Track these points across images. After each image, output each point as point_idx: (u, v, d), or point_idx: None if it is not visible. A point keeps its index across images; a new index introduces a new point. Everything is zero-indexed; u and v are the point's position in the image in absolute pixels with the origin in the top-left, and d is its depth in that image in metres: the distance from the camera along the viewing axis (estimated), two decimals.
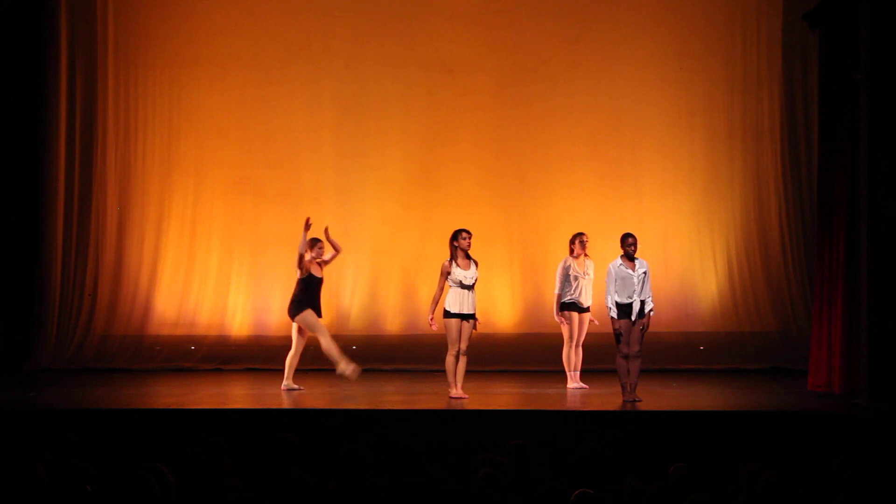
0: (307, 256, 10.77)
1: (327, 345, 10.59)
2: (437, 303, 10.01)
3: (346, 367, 10.55)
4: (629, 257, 9.90)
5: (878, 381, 9.70)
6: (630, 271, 9.84)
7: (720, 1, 13.12)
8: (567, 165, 13.12)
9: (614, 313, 9.79)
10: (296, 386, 10.64)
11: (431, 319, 10.01)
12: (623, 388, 9.78)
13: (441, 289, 9.97)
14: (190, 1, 13.32)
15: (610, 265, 9.93)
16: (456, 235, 9.96)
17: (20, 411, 9.23)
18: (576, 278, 10.87)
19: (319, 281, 10.82)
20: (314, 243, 10.83)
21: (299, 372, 10.82)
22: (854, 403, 9.65)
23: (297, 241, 12.32)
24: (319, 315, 10.80)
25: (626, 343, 9.77)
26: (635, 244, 9.92)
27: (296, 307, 10.67)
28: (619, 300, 9.80)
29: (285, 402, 10.07)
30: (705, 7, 13.12)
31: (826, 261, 10.51)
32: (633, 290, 9.81)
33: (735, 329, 12.86)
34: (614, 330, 9.84)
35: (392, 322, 13.08)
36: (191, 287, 13.17)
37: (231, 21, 13.25)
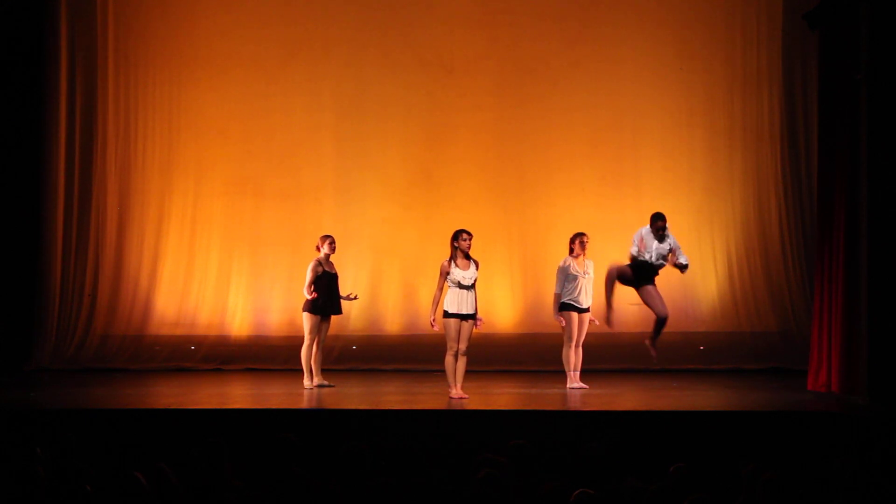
0: (320, 253, 10.81)
1: (304, 352, 10.76)
2: (437, 303, 10.01)
3: (307, 382, 10.78)
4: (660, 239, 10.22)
5: (878, 380, 9.69)
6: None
7: (720, 1, 13.12)
8: (567, 165, 13.12)
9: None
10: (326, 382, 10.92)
11: (433, 320, 10.01)
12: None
13: (440, 289, 9.96)
14: (190, 1, 13.33)
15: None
16: (456, 236, 9.95)
17: (20, 411, 9.23)
18: (575, 277, 10.85)
19: (334, 277, 10.85)
20: (325, 239, 10.86)
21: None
22: (854, 403, 9.65)
23: (296, 240, 12.37)
24: (338, 311, 10.91)
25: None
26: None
27: (307, 303, 10.74)
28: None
29: (285, 402, 10.07)
30: (705, 7, 13.12)
31: (826, 261, 10.51)
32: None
33: (735, 329, 12.85)
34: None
35: (392, 322, 13.08)
36: (191, 287, 13.18)
37: (231, 21, 13.26)
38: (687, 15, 13.11)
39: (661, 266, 10.50)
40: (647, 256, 10.33)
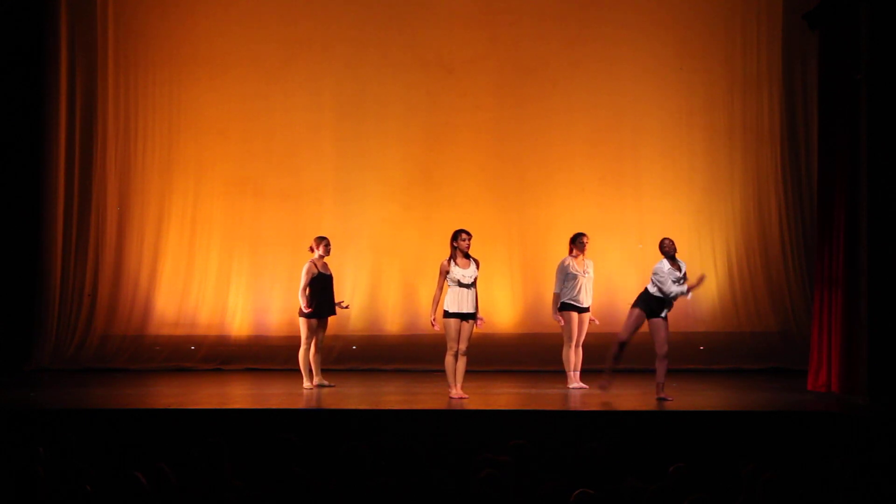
0: (314, 255, 10.83)
1: (302, 355, 10.83)
2: (437, 303, 10.01)
3: (307, 383, 10.81)
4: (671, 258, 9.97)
5: (878, 380, 9.70)
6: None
7: (720, 1, 13.11)
8: (567, 165, 13.11)
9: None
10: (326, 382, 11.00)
11: (434, 320, 10.01)
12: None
13: (440, 288, 9.96)
14: (190, 1, 13.32)
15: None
16: (456, 236, 9.95)
17: (20, 411, 9.23)
18: (575, 277, 10.86)
19: (329, 278, 10.87)
20: (320, 241, 10.88)
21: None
22: (854, 403, 9.65)
23: (296, 240, 12.35)
24: (333, 312, 10.96)
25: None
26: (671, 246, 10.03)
27: (303, 308, 10.76)
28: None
29: (285, 402, 10.07)
30: (705, 7, 13.11)
31: (826, 261, 10.52)
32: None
33: (735, 329, 12.85)
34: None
35: (392, 322, 13.08)
36: (191, 287, 13.18)
37: (231, 20, 13.26)
38: (687, 15, 13.10)
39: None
40: (673, 292, 9.97)
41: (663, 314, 9.96)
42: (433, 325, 10.06)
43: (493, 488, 5.69)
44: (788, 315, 12.75)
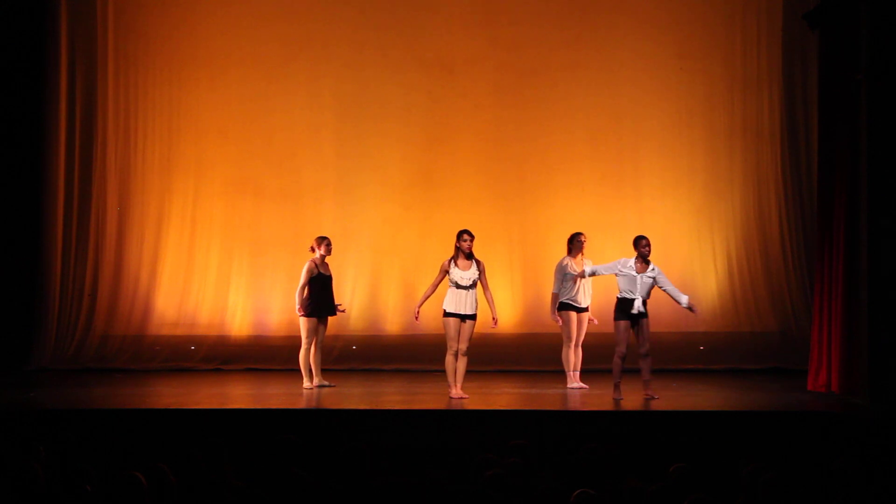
0: (315, 254, 10.84)
1: (302, 355, 10.83)
2: (426, 298, 10.07)
3: (307, 383, 10.81)
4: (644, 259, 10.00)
5: (878, 381, 9.70)
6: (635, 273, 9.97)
7: (720, 1, 13.12)
8: (567, 166, 13.11)
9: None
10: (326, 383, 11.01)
11: (417, 314, 10.04)
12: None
13: (434, 286, 10.00)
14: (190, 1, 13.32)
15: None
16: (458, 236, 9.97)
17: (20, 411, 9.23)
18: (573, 277, 10.85)
19: (328, 279, 10.88)
20: (321, 241, 10.89)
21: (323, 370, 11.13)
22: (854, 403, 9.66)
23: (297, 241, 12.35)
24: (332, 312, 10.96)
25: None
26: (649, 246, 10.06)
27: (307, 308, 10.77)
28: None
29: (285, 403, 10.07)
30: (705, 8, 13.11)
31: (826, 261, 10.52)
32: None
33: (735, 329, 12.85)
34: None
35: (392, 322, 13.08)
36: (191, 287, 13.17)
37: (231, 20, 13.26)
38: (687, 15, 13.10)
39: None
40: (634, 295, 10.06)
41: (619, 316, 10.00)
42: (416, 318, 10.08)
43: (495, 488, 5.69)
44: (788, 315, 12.76)
